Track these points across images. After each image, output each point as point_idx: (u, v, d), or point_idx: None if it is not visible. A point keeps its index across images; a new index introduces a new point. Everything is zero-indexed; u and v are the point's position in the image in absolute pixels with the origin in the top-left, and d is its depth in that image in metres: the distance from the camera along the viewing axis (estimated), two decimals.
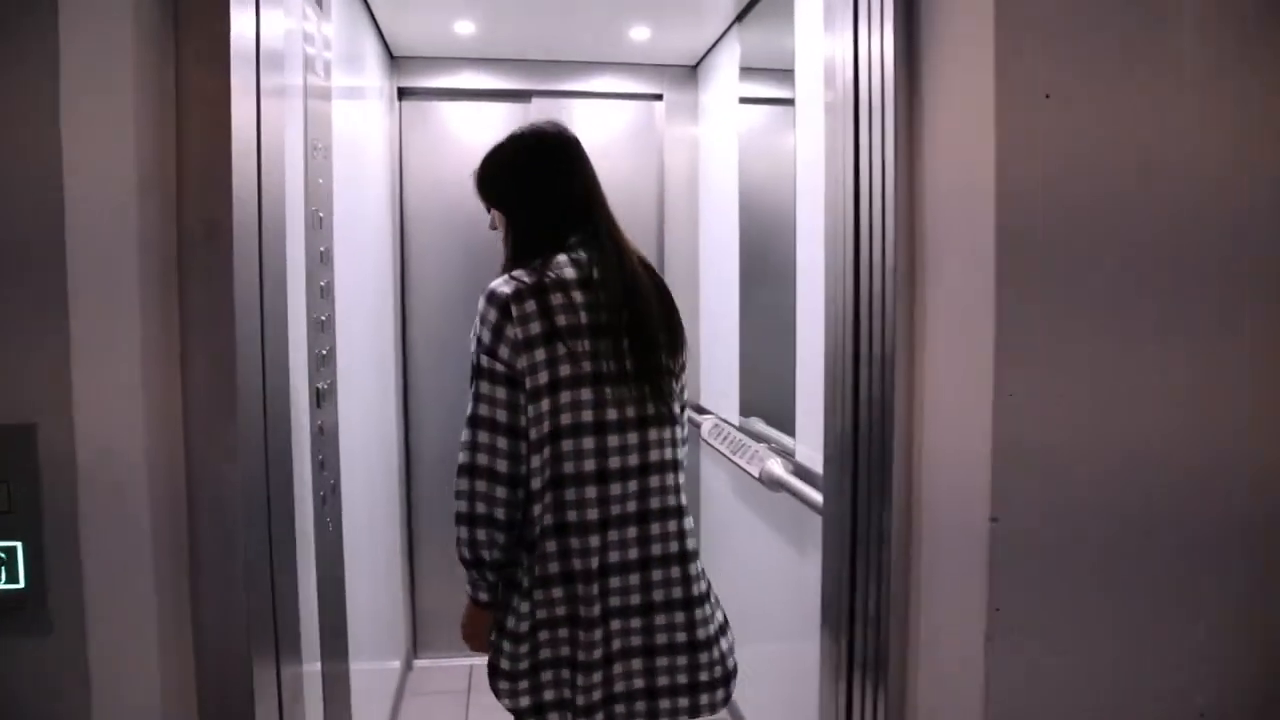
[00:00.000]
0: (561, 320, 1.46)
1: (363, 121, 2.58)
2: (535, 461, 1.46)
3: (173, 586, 1.20)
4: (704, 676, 1.55)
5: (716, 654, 1.56)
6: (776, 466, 2.15)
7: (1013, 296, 1.10)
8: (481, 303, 1.49)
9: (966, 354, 1.18)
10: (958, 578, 1.21)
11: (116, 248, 1.10)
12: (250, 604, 1.26)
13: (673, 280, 3.31)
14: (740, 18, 2.76)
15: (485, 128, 3.24)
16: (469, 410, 1.48)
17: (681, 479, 1.58)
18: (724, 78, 2.97)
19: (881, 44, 1.30)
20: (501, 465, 1.46)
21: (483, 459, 1.46)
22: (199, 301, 1.22)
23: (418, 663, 3.28)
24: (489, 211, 1.70)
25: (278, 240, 1.42)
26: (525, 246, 1.60)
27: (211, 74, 1.19)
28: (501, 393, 1.46)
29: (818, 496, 1.86)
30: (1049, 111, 1.08)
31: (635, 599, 1.51)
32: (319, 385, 1.83)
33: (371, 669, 2.52)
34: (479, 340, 1.48)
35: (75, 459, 1.09)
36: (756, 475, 2.23)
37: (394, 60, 3.08)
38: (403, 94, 3.14)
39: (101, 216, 1.08)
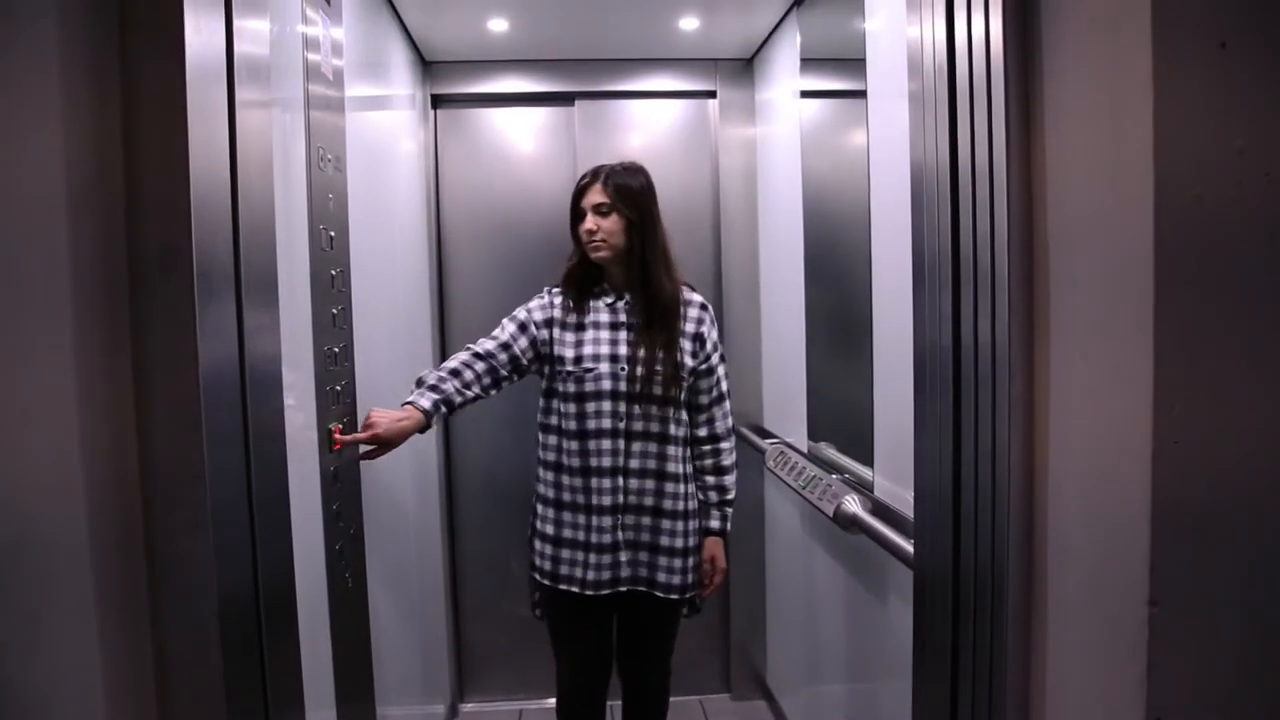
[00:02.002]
0: None
1: (390, 132, 2.40)
2: None
3: (129, 685, 1.01)
4: None
5: None
6: (854, 505, 1.88)
7: (1180, 315, 0.82)
8: (711, 311, 2.14)
9: (1110, 387, 0.90)
10: (1101, 679, 0.94)
11: (37, 276, 0.90)
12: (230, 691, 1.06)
13: (731, 290, 3.11)
14: (799, 2, 2.50)
15: (526, 134, 3.05)
16: (727, 388, 2.19)
17: None
18: (783, 70, 2.71)
19: (986, 18, 1.08)
20: None
21: None
22: (157, 339, 1.02)
23: (464, 707, 3.07)
24: (606, 214, 2.02)
25: (263, 265, 1.23)
26: (647, 258, 2.03)
27: (164, 85, 1.01)
28: None
29: (905, 545, 1.59)
30: (1226, 65, 0.81)
31: None
32: (332, 425, 1.63)
33: (406, 714, 2.32)
34: (719, 339, 2.16)
35: None
36: (830, 515, 1.96)
37: (427, 66, 2.90)
38: (437, 101, 2.95)
39: (14, 238, 0.89)
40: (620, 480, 2.01)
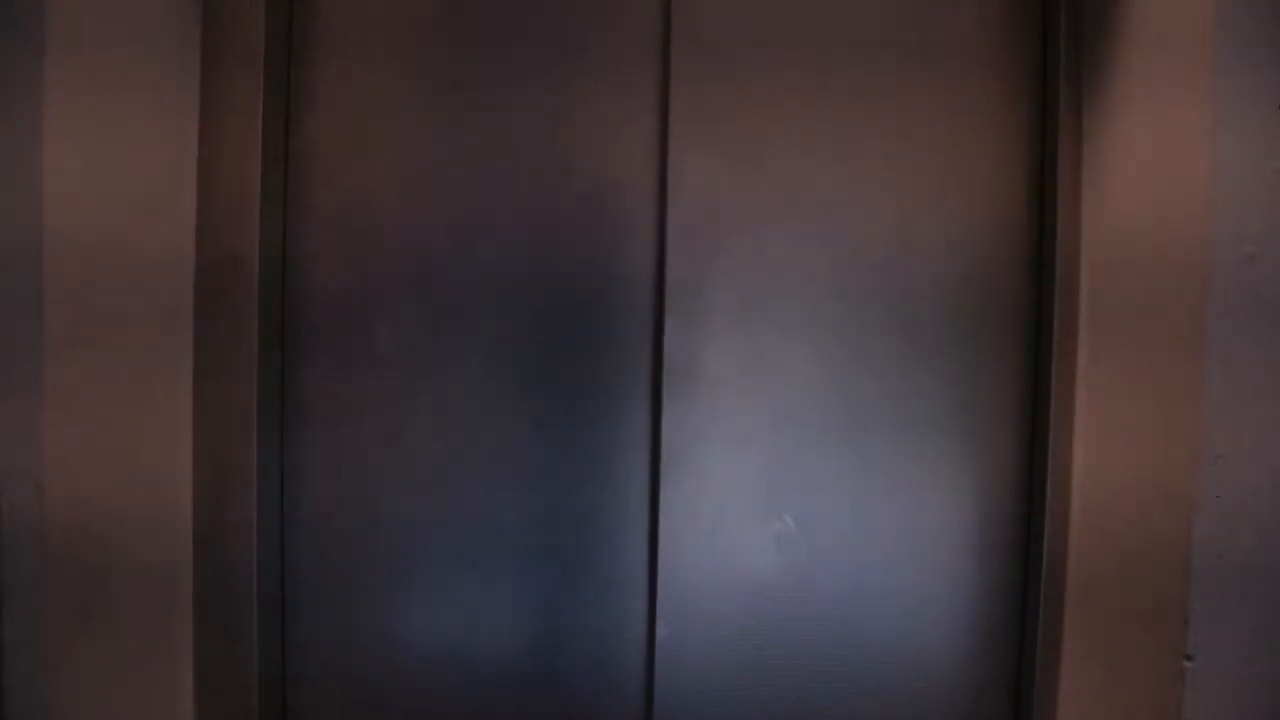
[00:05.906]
0: None
1: None
2: None
3: (170, 677, 1.03)
4: None
5: None
6: None
7: (1228, 370, 0.82)
8: None
9: (1152, 436, 0.90)
10: None
11: (113, 282, 0.94)
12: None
13: None
14: None
15: None
16: None
17: None
18: None
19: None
20: None
21: None
22: (216, 346, 1.05)
23: None
24: None
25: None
26: None
27: (239, 99, 1.04)
28: None
29: None
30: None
31: None
32: None
33: None
34: None
35: (45, 532, 0.92)
36: None
37: None
38: None
39: (99, 244, 0.93)
40: None
